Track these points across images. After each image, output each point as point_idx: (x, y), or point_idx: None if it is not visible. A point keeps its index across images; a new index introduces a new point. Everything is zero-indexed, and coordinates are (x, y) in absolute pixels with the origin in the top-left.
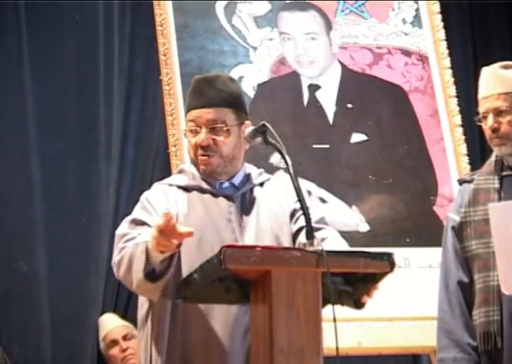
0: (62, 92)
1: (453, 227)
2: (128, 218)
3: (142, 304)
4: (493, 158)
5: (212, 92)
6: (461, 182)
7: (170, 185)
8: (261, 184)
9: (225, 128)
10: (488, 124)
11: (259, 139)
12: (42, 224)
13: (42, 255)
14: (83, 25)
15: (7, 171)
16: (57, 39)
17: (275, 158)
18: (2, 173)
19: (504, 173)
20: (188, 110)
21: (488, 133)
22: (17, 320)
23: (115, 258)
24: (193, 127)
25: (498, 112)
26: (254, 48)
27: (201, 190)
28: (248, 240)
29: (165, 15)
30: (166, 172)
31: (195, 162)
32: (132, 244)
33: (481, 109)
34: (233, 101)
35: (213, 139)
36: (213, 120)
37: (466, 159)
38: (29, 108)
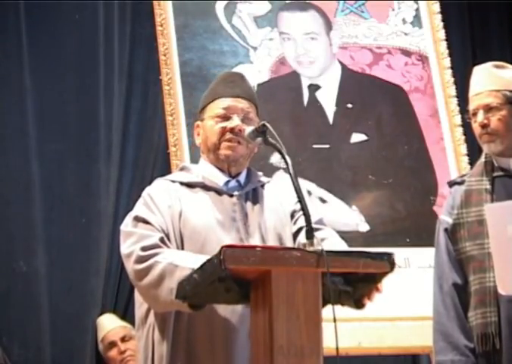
0: (62, 92)
1: (445, 229)
2: (131, 214)
3: (141, 304)
4: (483, 159)
5: (245, 86)
6: (451, 184)
7: (173, 181)
8: (262, 186)
9: (253, 121)
10: (477, 120)
11: (259, 139)
12: (42, 223)
13: (42, 255)
14: (83, 25)
15: (7, 171)
16: (57, 39)
17: (275, 158)
18: (2, 173)
19: (495, 174)
20: (217, 97)
21: (477, 130)
22: (17, 320)
23: (136, 266)
24: (224, 113)
25: (489, 109)
26: (254, 48)
27: (205, 188)
28: (253, 239)
29: (165, 15)
30: (166, 172)
31: (215, 147)
32: (165, 261)
33: (471, 106)
34: (257, 102)
35: (244, 129)
36: (246, 111)
37: (466, 159)
38: (29, 108)
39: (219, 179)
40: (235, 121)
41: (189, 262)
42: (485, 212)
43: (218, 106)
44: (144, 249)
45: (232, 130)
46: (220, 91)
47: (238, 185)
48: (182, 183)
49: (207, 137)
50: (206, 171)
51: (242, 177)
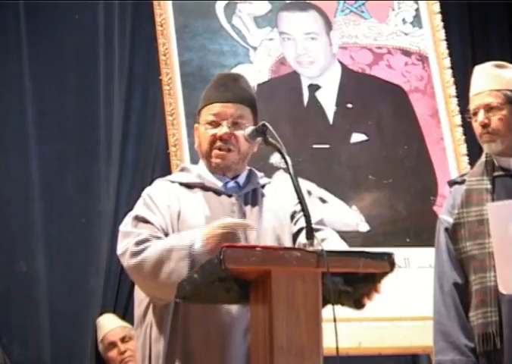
0: (62, 93)
1: (446, 229)
2: (131, 214)
3: (140, 302)
4: (483, 158)
5: (237, 89)
6: (451, 183)
7: (172, 182)
8: (262, 186)
9: (244, 125)
10: (478, 120)
11: (259, 139)
12: (42, 223)
13: (42, 255)
14: (83, 25)
15: (7, 171)
16: (57, 39)
17: (275, 158)
18: (2, 173)
19: (496, 173)
20: (209, 102)
21: (478, 129)
22: (17, 320)
23: (131, 260)
24: (214, 119)
25: (489, 108)
26: (254, 48)
27: (204, 188)
28: (251, 240)
29: (165, 15)
30: (166, 172)
31: (207, 154)
32: (158, 249)
33: (472, 106)
34: (253, 103)
35: (234, 135)
36: (236, 116)
37: (466, 159)
38: (28, 108)
39: (218, 180)
40: (224, 129)
41: (182, 241)
42: (485, 212)
43: (209, 112)
44: (137, 244)
45: (221, 138)
46: (211, 96)
47: (237, 186)
48: (181, 184)
49: (200, 142)
50: (205, 172)
51: (242, 178)
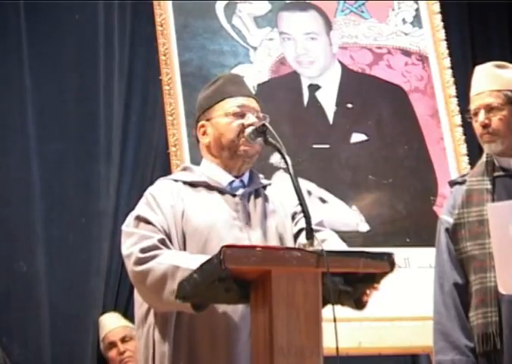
0: (62, 92)
1: (446, 229)
2: (133, 214)
3: (141, 304)
4: (484, 158)
5: (249, 88)
6: (452, 184)
7: (176, 181)
8: (264, 187)
9: (261, 121)
10: (478, 120)
11: (259, 139)
12: (42, 223)
13: (42, 255)
14: (83, 25)
15: (7, 171)
16: (57, 39)
17: (275, 158)
18: (2, 173)
19: (496, 173)
20: (228, 96)
21: (478, 130)
22: (17, 320)
23: (135, 268)
24: (239, 111)
25: (490, 109)
26: (254, 48)
27: (208, 187)
28: (255, 239)
29: (165, 15)
30: (166, 172)
31: (233, 144)
32: (165, 263)
33: (472, 106)
34: None
35: None
36: (257, 110)
37: (466, 159)
38: (29, 108)
39: (223, 179)
40: (252, 119)
41: (190, 263)
42: (486, 212)
43: (232, 104)
44: (143, 250)
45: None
46: (230, 90)
47: (243, 185)
48: (184, 183)
49: (221, 134)
50: (210, 171)
51: (245, 178)
